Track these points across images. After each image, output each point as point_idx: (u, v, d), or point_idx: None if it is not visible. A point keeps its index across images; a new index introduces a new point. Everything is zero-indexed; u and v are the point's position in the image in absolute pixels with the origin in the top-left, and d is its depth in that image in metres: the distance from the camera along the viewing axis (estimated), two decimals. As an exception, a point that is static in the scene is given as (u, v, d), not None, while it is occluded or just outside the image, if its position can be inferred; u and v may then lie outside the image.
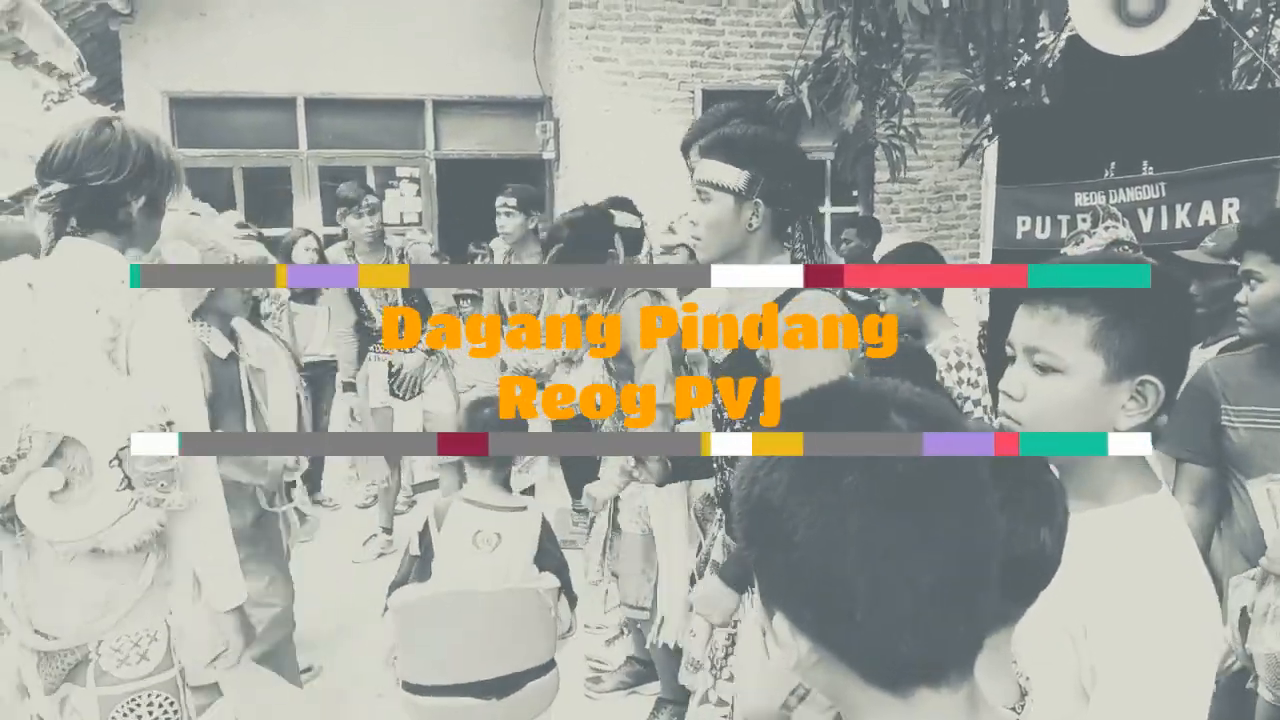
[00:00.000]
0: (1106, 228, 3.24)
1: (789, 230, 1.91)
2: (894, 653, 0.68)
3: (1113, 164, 3.63)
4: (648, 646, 3.00)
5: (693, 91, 7.25)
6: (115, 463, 1.71)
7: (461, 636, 2.18)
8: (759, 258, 1.89)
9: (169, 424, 1.74)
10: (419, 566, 2.30)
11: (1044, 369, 1.14)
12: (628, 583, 3.02)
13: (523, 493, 4.51)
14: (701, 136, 2.26)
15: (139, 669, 1.87)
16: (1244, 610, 1.96)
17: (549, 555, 2.35)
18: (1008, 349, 1.21)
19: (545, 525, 2.37)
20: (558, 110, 7.61)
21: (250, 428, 2.71)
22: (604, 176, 6.51)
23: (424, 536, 2.32)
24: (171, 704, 1.91)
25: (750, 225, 1.86)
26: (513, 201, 4.25)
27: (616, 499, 3.02)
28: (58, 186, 1.80)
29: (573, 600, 2.44)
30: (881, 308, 2.89)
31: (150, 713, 1.89)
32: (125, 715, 1.87)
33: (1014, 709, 0.94)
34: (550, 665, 2.30)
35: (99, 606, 1.83)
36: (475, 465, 2.40)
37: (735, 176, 1.83)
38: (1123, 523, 1.14)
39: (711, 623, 1.90)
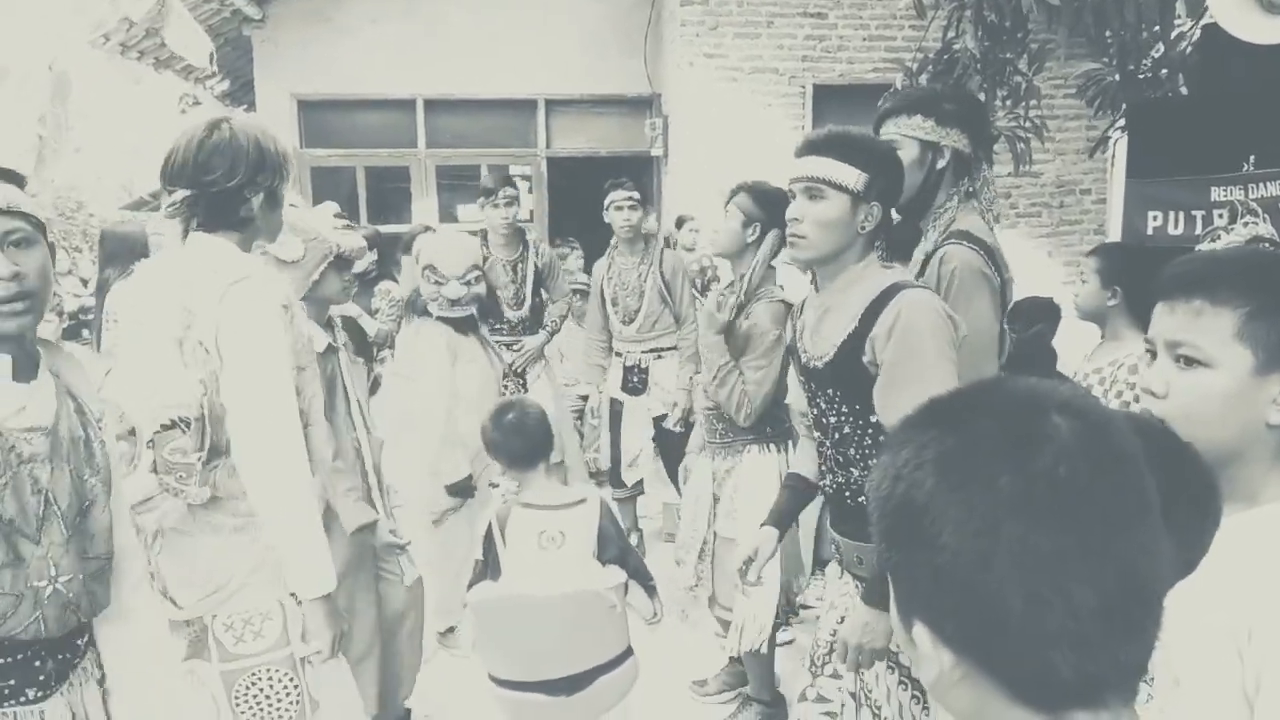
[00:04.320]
0: (1245, 224, 3.06)
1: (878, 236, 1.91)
2: (1048, 672, 0.63)
3: (1252, 157, 3.42)
4: (732, 653, 2.98)
5: (803, 86, 7.16)
6: (150, 445, 1.80)
7: (528, 637, 2.21)
8: (859, 260, 1.88)
9: (180, 421, 1.78)
10: (485, 570, 2.32)
11: (1188, 363, 1.11)
12: (721, 587, 3.01)
13: (631, 487, 4.56)
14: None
15: (254, 645, 1.93)
16: None
17: (610, 543, 2.32)
18: (1146, 346, 1.18)
19: (605, 512, 2.35)
20: (667, 107, 7.64)
21: (353, 414, 2.78)
22: (712, 173, 6.51)
23: (487, 542, 2.32)
24: (291, 680, 1.97)
25: (863, 227, 1.85)
26: (636, 195, 4.28)
27: (715, 505, 3.03)
28: (181, 194, 1.87)
29: (650, 588, 2.41)
30: (1077, 295, 2.77)
31: (271, 687, 1.96)
32: (247, 689, 1.95)
33: None
34: (622, 658, 2.29)
35: (214, 582, 1.92)
36: (520, 470, 2.37)
37: (855, 177, 1.82)
38: None
39: (874, 649, 1.83)
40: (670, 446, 4.46)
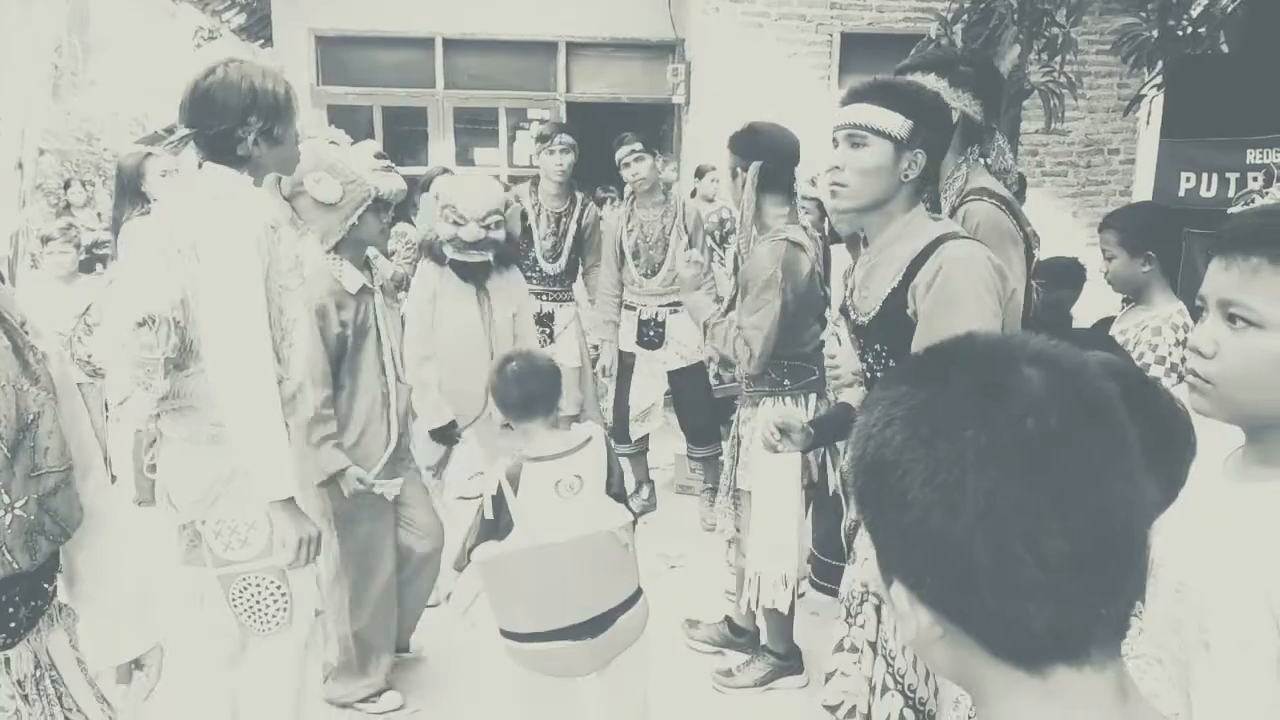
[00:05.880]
0: (1281, 188, 2.98)
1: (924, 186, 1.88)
2: (1023, 627, 0.62)
3: (1293, 119, 3.34)
4: (744, 609, 3.02)
5: (831, 35, 7.00)
6: (124, 346, 1.92)
7: (551, 585, 2.20)
8: (904, 211, 1.84)
9: (149, 319, 1.91)
10: (494, 528, 2.27)
11: (1240, 323, 1.07)
12: (741, 538, 3.05)
13: (637, 442, 4.56)
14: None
15: (241, 553, 2.07)
16: None
17: (614, 473, 2.34)
18: (1198, 303, 1.14)
19: (608, 443, 2.37)
20: (690, 53, 7.50)
21: (384, 359, 2.79)
22: (734, 122, 6.39)
23: (498, 500, 2.27)
24: (279, 588, 2.10)
25: (906, 175, 1.82)
26: (638, 146, 4.22)
27: (736, 458, 3.01)
28: (180, 132, 2.02)
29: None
30: (1106, 270, 2.72)
31: (260, 593, 2.09)
32: (240, 594, 2.09)
33: None
34: (637, 596, 2.31)
35: (198, 489, 2.04)
36: (518, 420, 2.34)
37: (898, 123, 1.78)
38: None
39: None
40: (685, 399, 4.47)
